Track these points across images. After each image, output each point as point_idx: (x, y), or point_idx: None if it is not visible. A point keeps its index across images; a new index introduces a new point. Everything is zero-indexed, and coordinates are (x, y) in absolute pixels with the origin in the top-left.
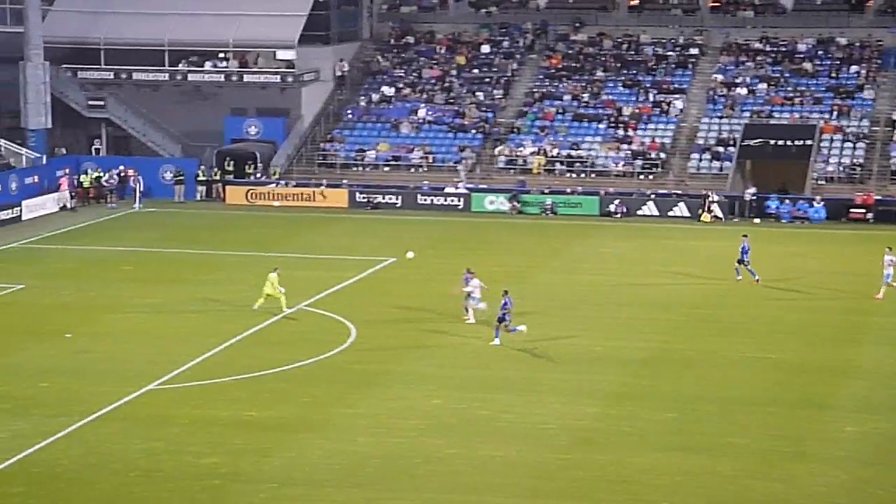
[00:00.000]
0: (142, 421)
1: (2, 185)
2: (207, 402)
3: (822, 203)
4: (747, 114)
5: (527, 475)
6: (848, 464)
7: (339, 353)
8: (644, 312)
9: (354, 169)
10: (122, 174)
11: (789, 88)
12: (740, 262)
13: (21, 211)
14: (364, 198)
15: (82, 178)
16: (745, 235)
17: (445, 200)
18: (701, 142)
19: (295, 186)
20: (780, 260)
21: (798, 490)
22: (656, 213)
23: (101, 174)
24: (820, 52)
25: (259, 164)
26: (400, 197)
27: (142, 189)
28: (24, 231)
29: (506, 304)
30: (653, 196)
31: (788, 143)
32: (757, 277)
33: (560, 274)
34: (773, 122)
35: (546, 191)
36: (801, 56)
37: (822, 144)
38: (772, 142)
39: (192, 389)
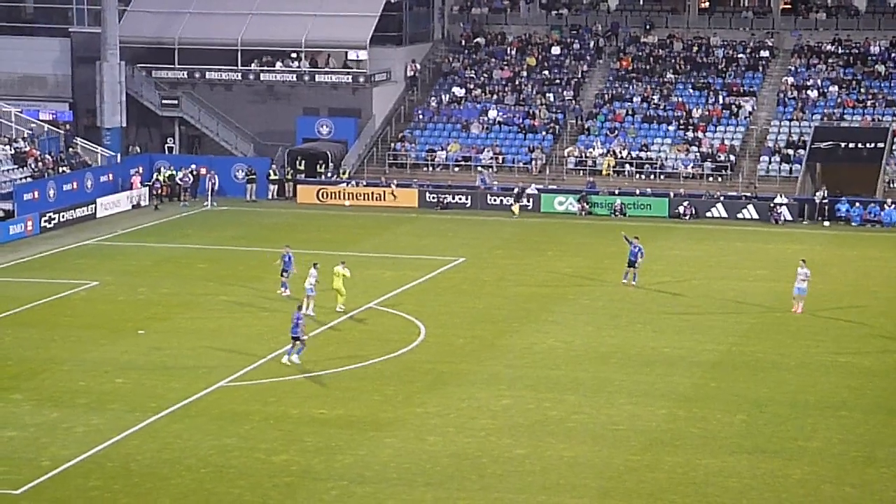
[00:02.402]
0: (214, 417)
1: (78, 183)
2: (279, 399)
3: (894, 206)
4: (818, 116)
5: (596, 476)
6: None
7: (408, 352)
8: (714, 314)
9: (424, 169)
10: (195, 173)
11: (861, 91)
12: (631, 264)
13: (96, 208)
14: (434, 198)
15: (156, 176)
16: (637, 237)
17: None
18: (770, 144)
19: (365, 186)
20: (853, 263)
21: (870, 495)
22: (725, 215)
23: (175, 172)
24: (893, 55)
25: (330, 164)
26: (470, 197)
27: (215, 187)
28: (98, 228)
29: (297, 318)
30: (722, 198)
31: (860, 145)
32: (635, 282)
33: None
34: (844, 124)
35: (615, 192)
36: (874, 58)
37: (894, 147)
38: (843, 144)
39: (263, 387)
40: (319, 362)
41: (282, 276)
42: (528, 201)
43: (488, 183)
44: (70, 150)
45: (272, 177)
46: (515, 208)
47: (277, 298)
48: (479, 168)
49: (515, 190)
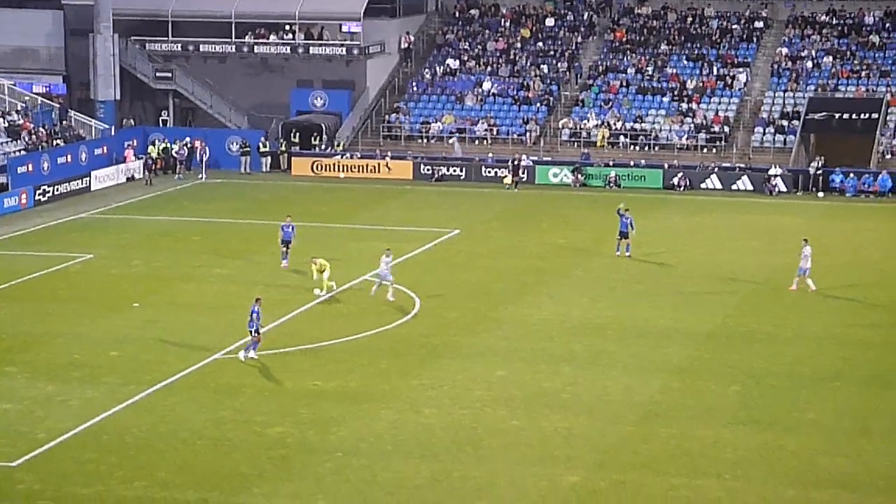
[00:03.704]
0: (209, 390)
1: (72, 156)
2: (274, 372)
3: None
4: (812, 87)
5: (591, 447)
6: None
7: (403, 325)
8: (709, 286)
9: (419, 141)
10: (189, 145)
11: (856, 62)
12: (623, 235)
13: (90, 181)
14: (428, 170)
15: (150, 149)
16: (627, 209)
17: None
18: (765, 115)
19: (360, 158)
20: (847, 235)
21: (864, 466)
22: (719, 186)
23: (170, 145)
24: (888, 25)
25: (325, 136)
26: (464, 169)
27: (207, 160)
28: (93, 201)
29: (255, 312)
30: (716, 169)
31: (854, 116)
32: (629, 253)
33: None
34: (838, 95)
35: (610, 163)
36: (869, 29)
37: (888, 118)
38: (837, 115)
39: (258, 360)
40: (314, 335)
41: (282, 247)
42: (523, 173)
43: (460, 153)
44: (64, 123)
45: (262, 149)
46: (508, 179)
47: (272, 271)
48: (451, 139)
49: (511, 161)
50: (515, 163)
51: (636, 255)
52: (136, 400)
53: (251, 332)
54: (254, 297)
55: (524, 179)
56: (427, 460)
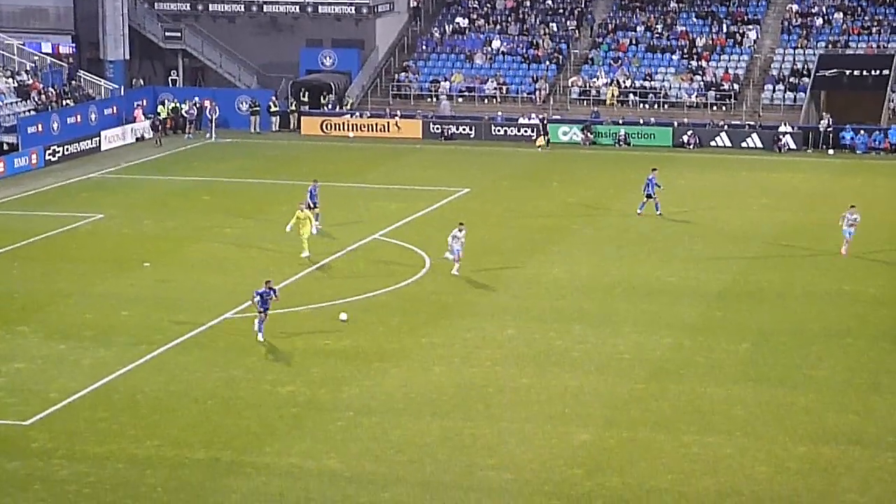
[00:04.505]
0: (220, 350)
1: (81, 116)
2: (285, 331)
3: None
4: (822, 44)
5: (601, 405)
6: None
7: (413, 284)
8: (719, 244)
9: (428, 100)
10: (199, 105)
11: (866, 18)
12: (649, 196)
13: (100, 141)
14: (438, 129)
15: (159, 109)
16: (655, 169)
17: (519, 131)
18: (775, 73)
19: (369, 117)
20: (858, 192)
21: (874, 422)
22: (729, 144)
23: (179, 105)
24: None
25: (334, 96)
26: (474, 128)
27: (216, 119)
28: (103, 161)
29: (264, 294)
30: (726, 127)
31: (864, 73)
32: (659, 212)
33: (634, 206)
34: (849, 52)
35: (619, 121)
36: None
37: None
38: (847, 72)
39: (269, 318)
40: (324, 294)
41: (309, 209)
42: (543, 132)
43: (449, 111)
44: (73, 83)
45: (272, 109)
46: (540, 140)
47: (281, 230)
48: (442, 97)
49: (538, 123)
50: (544, 123)
51: (645, 213)
52: (147, 359)
53: (265, 311)
54: (264, 258)
55: (534, 138)
56: (438, 418)
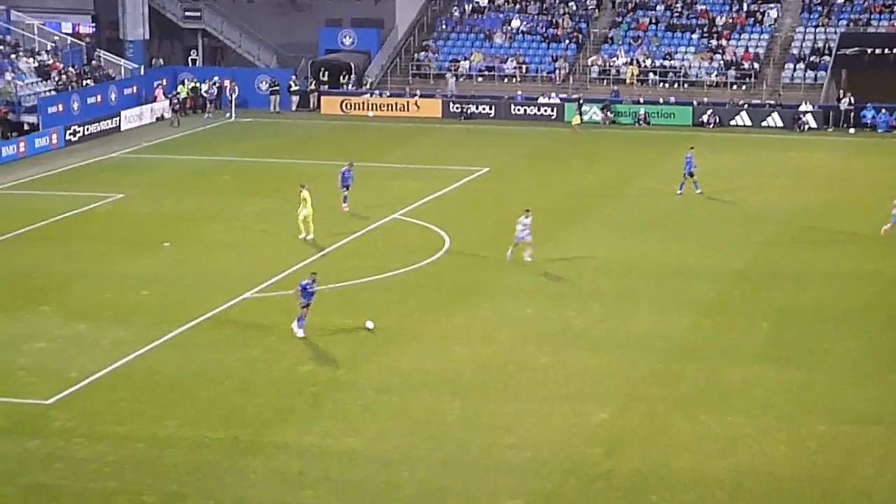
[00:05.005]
0: (239, 329)
1: (102, 96)
2: None
3: None
4: (844, 22)
5: (619, 385)
6: None
7: (433, 263)
8: (738, 224)
9: (448, 79)
10: (218, 85)
11: None
12: (689, 174)
13: (120, 121)
14: (457, 108)
15: (179, 88)
16: (692, 147)
17: (539, 111)
18: (795, 51)
19: (389, 97)
20: (878, 171)
21: (893, 401)
22: (749, 123)
23: (199, 85)
24: None
25: (353, 75)
26: (493, 107)
27: (236, 99)
28: (123, 141)
29: (307, 287)
30: (746, 106)
31: (886, 51)
32: (699, 191)
33: (656, 185)
34: (870, 30)
35: (639, 101)
36: None
37: None
38: (869, 50)
39: (287, 298)
40: (344, 274)
41: (342, 191)
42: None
43: (454, 89)
44: (93, 62)
45: (293, 88)
46: (577, 119)
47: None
48: (448, 75)
49: (577, 102)
50: (581, 102)
51: (665, 193)
52: (166, 339)
53: (307, 306)
54: (284, 238)
55: (553, 117)
56: (457, 398)
